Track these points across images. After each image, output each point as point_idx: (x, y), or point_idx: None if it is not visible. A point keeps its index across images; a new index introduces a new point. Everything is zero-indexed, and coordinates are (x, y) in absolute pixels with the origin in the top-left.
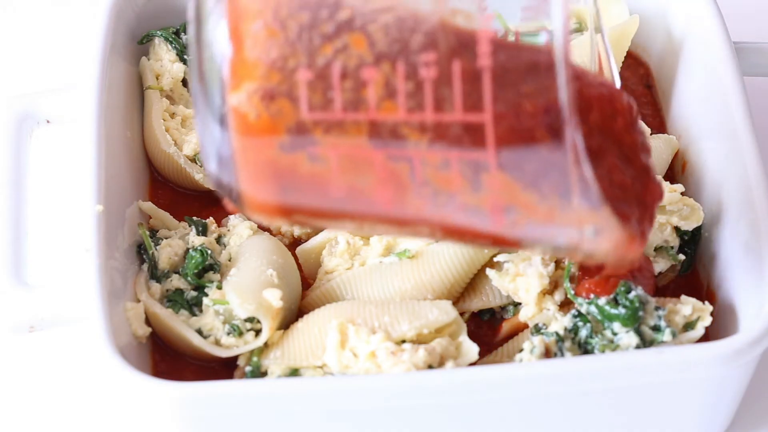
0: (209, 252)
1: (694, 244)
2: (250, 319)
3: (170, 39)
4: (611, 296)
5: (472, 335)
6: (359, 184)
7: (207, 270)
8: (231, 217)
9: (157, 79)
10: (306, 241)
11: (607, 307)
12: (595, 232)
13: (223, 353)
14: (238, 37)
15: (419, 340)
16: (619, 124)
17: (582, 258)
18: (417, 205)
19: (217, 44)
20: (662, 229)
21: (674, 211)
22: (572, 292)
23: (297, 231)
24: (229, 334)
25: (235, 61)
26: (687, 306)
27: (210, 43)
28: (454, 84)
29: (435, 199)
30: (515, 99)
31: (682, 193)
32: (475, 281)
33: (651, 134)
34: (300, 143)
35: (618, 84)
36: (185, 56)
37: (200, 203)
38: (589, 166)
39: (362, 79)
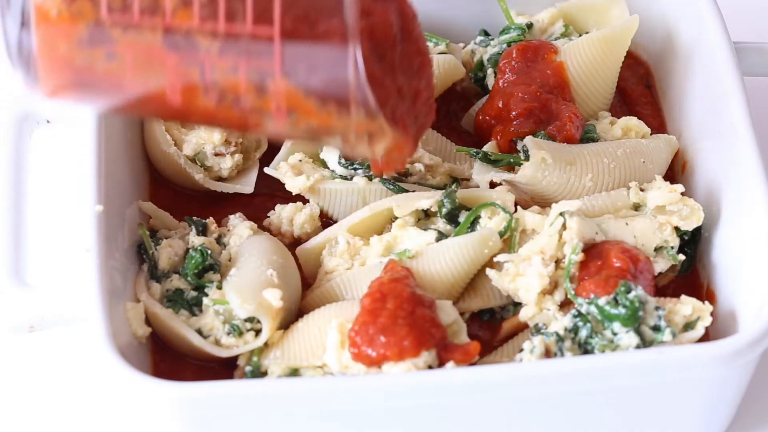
0: (209, 252)
1: (694, 244)
2: (250, 319)
3: None
4: (611, 296)
5: (472, 335)
6: (152, 82)
7: (207, 270)
8: (231, 217)
9: None
10: (306, 241)
11: (607, 307)
12: (368, 136)
13: (223, 353)
14: None
15: None
16: (401, 34)
17: (353, 152)
18: (204, 103)
19: None
20: (662, 229)
21: (674, 211)
22: (572, 292)
23: (297, 231)
24: (229, 334)
25: None
26: (687, 306)
27: None
28: None
29: (222, 99)
30: (303, 13)
31: (682, 193)
32: (475, 281)
33: (651, 134)
34: (97, 40)
35: None
36: None
37: (200, 203)
38: (366, 82)
39: None
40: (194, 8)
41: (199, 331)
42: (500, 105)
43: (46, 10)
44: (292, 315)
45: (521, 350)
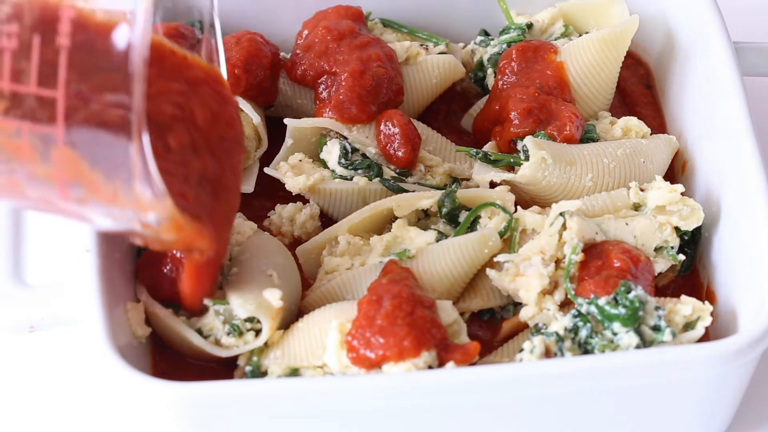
0: None
1: (694, 244)
2: (250, 319)
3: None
4: (611, 296)
5: (472, 335)
6: None
7: None
8: None
9: None
10: (306, 241)
11: (607, 307)
12: (156, 219)
13: (223, 353)
14: None
15: None
16: (213, 117)
17: (148, 241)
18: None
19: None
20: (662, 229)
21: (674, 211)
22: (572, 292)
23: (297, 231)
24: (229, 334)
25: None
26: (687, 306)
27: None
28: (32, 58)
29: (6, 164)
30: (91, 82)
31: (682, 193)
32: (475, 281)
33: (651, 134)
34: None
35: (225, 74)
36: None
37: None
38: (153, 163)
39: None
40: None
41: (199, 331)
42: (497, 108)
43: None
44: (292, 315)
45: (521, 350)
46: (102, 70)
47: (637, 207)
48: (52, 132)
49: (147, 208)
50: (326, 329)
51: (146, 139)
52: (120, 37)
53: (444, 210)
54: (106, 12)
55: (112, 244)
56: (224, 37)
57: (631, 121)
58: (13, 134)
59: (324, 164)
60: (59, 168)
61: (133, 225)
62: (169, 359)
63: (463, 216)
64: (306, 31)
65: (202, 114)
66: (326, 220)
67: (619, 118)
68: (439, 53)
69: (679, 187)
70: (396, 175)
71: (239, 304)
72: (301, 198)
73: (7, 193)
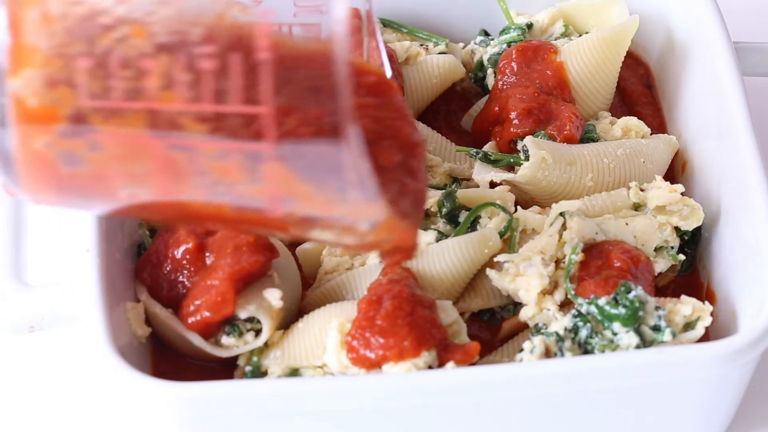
0: None
1: (694, 244)
2: (250, 319)
3: None
4: (611, 296)
5: (472, 335)
6: (138, 172)
7: None
8: None
9: None
10: (306, 240)
11: (607, 307)
12: (370, 223)
13: (223, 353)
14: (16, 24)
15: None
16: (394, 117)
17: (360, 247)
18: (196, 194)
19: None
20: (662, 229)
21: (674, 211)
22: (572, 292)
23: None
24: (228, 334)
25: (14, 47)
26: (687, 306)
27: None
28: (232, 76)
29: (213, 188)
30: (294, 93)
31: (682, 193)
32: (475, 281)
33: (651, 134)
34: (79, 130)
35: (389, 74)
36: None
37: None
38: (366, 163)
39: (142, 69)
40: (178, 89)
41: None
42: (497, 108)
43: (23, 99)
44: (292, 315)
45: (521, 350)
46: (304, 79)
47: (637, 207)
48: (260, 149)
49: (361, 213)
50: (326, 329)
51: (357, 143)
52: (320, 44)
53: (444, 210)
54: (301, 22)
55: (112, 244)
56: None
57: (631, 121)
58: (219, 156)
59: None
60: (269, 185)
61: (342, 234)
62: (169, 359)
63: (463, 216)
64: None
65: (393, 124)
66: None
67: (619, 118)
68: (439, 53)
69: (679, 187)
70: None
71: (239, 305)
72: None
73: (216, 215)
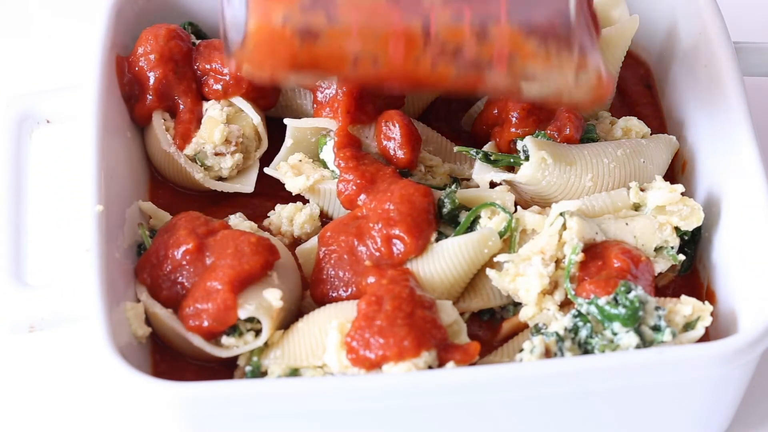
0: None
1: (694, 244)
2: (250, 319)
3: None
4: (611, 296)
5: (472, 335)
6: (373, 42)
7: None
8: (231, 216)
9: None
10: (306, 241)
11: (607, 307)
12: (584, 74)
13: (223, 353)
14: None
15: None
16: None
17: (562, 101)
18: (426, 61)
19: None
20: (662, 229)
21: (674, 211)
22: (572, 292)
23: (297, 231)
24: (228, 334)
25: None
26: (687, 306)
27: None
28: None
29: (443, 53)
30: None
31: (682, 193)
32: (475, 281)
33: (651, 134)
34: (319, 3)
35: None
36: None
37: (200, 203)
38: (584, 18)
39: None
40: None
41: None
42: (497, 108)
43: None
44: (292, 315)
45: (521, 350)
46: None
47: (637, 207)
48: (494, 9)
49: (578, 64)
50: (326, 329)
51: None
52: None
53: (444, 210)
54: None
55: (112, 244)
56: None
57: (631, 121)
58: (452, 19)
59: (324, 164)
60: (498, 44)
61: (555, 85)
62: (169, 359)
63: (463, 216)
64: None
65: None
66: (326, 220)
67: (619, 118)
68: None
69: (679, 187)
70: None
71: (239, 305)
72: (301, 198)
73: (436, 79)
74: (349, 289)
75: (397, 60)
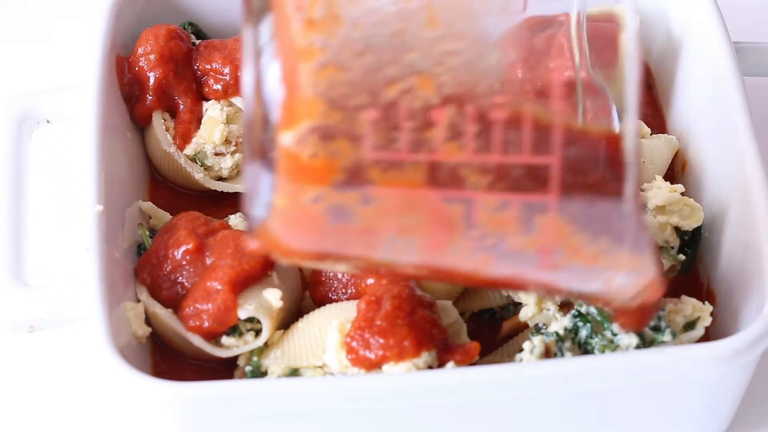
0: None
1: (694, 244)
2: (250, 319)
3: None
4: None
5: (472, 335)
6: (409, 226)
7: None
8: (231, 216)
9: None
10: None
11: (607, 308)
12: (633, 276)
13: (223, 353)
14: (293, 77)
15: None
16: None
17: (602, 303)
18: (464, 247)
19: (268, 85)
20: (662, 229)
21: (674, 211)
22: None
23: None
24: (229, 334)
25: (288, 100)
26: (687, 306)
27: (262, 83)
28: (524, 126)
29: (483, 241)
30: (581, 147)
31: (682, 193)
32: None
33: (651, 134)
34: (356, 183)
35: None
36: None
37: (200, 203)
38: (642, 220)
39: (428, 121)
40: (466, 140)
41: None
42: None
43: (295, 154)
44: (292, 315)
45: (521, 350)
46: (588, 144)
47: None
48: (544, 200)
49: (627, 264)
50: (326, 329)
51: (640, 195)
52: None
53: None
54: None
55: (112, 244)
56: (226, 40)
57: None
58: (498, 207)
59: None
60: (544, 236)
61: (599, 286)
62: (169, 359)
63: None
64: None
65: None
66: None
67: None
68: None
69: (679, 187)
70: None
71: (239, 305)
72: None
73: (471, 270)
74: (349, 291)
75: (433, 248)
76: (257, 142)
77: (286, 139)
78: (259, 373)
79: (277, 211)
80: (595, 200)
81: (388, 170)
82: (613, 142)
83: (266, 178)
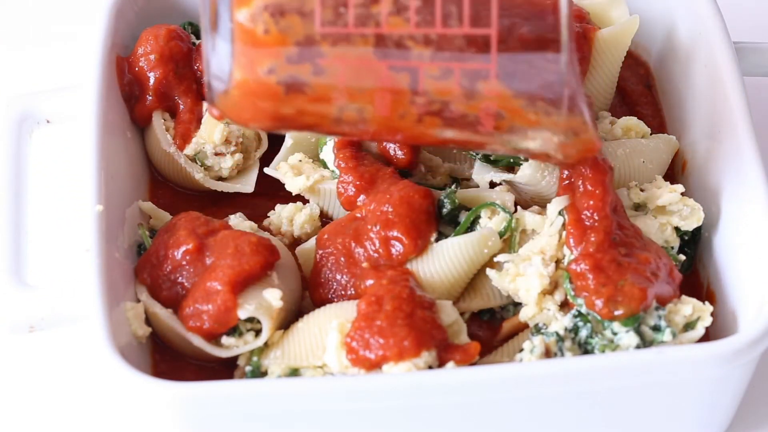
0: None
1: (694, 244)
2: (250, 319)
3: None
4: None
5: (472, 335)
6: (359, 96)
7: None
8: (231, 216)
9: None
10: (306, 241)
11: None
12: (571, 134)
13: (223, 353)
14: None
15: None
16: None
17: (549, 158)
18: (412, 113)
19: None
20: (662, 230)
21: (674, 212)
22: (572, 292)
23: (297, 231)
24: (229, 334)
25: None
26: (687, 306)
27: None
28: (464, 1)
29: (429, 106)
30: (519, 13)
31: (682, 193)
32: (475, 281)
33: (651, 134)
34: (307, 56)
35: None
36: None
37: (200, 203)
38: (576, 80)
39: None
40: (409, 14)
41: None
42: None
43: (250, 29)
44: (292, 315)
45: (521, 350)
46: (520, 8)
47: (637, 207)
48: (484, 67)
49: (565, 124)
50: (326, 329)
51: (574, 56)
52: None
53: (444, 210)
54: None
55: (112, 244)
56: None
57: (631, 121)
58: (440, 75)
59: (324, 164)
60: (485, 101)
61: (538, 145)
62: (169, 359)
63: (463, 216)
64: None
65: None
66: (326, 220)
67: (619, 118)
68: None
69: (679, 187)
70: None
71: (239, 305)
72: (301, 198)
73: (420, 133)
74: (348, 292)
75: (383, 114)
76: (213, 15)
77: (241, 16)
78: (259, 373)
79: (236, 81)
80: (531, 58)
81: (336, 43)
82: (547, 5)
83: (224, 49)
